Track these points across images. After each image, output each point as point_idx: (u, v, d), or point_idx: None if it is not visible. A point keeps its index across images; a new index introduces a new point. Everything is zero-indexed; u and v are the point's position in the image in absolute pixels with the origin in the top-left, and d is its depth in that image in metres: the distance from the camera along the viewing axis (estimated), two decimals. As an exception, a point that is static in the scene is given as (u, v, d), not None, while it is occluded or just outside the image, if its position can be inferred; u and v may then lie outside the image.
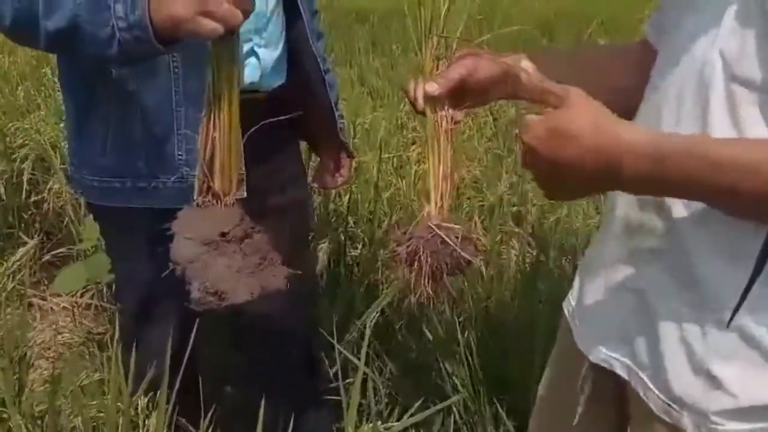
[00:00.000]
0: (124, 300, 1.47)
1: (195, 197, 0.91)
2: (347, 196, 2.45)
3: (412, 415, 1.39)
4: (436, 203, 0.89)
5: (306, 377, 1.60)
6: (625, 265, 0.84)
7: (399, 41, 5.00)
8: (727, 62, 0.70)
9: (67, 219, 2.53)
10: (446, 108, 0.90)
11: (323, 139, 1.59)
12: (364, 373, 1.25)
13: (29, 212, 2.74)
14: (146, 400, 1.33)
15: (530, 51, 0.96)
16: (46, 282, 2.45)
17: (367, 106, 3.64)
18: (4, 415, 1.38)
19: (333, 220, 2.45)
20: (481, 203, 2.71)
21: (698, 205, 0.74)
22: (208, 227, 0.87)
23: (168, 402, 1.15)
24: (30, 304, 2.27)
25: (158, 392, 1.16)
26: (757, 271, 0.71)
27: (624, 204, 0.83)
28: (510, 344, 1.77)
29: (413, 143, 3.22)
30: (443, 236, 0.85)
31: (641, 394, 0.83)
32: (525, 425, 1.15)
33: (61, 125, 2.74)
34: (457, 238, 0.86)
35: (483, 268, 2.02)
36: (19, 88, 3.47)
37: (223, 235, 0.87)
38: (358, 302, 2.05)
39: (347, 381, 1.41)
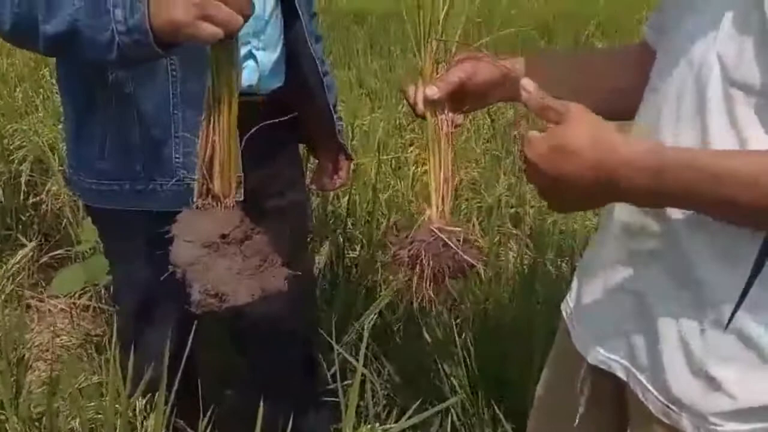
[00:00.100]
0: (122, 302, 1.47)
1: (195, 200, 0.91)
2: (346, 198, 2.45)
3: (410, 417, 1.39)
4: (437, 206, 0.89)
5: (305, 378, 1.60)
6: (624, 266, 0.85)
7: (397, 43, 5.01)
8: (724, 66, 0.71)
9: (65, 221, 2.53)
10: (446, 111, 0.90)
11: (321, 141, 1.59)
12: (363, 375, 1.25)
13: (27, 214, 2.73)
14: (144, 402, 1.33)
15: (529, 54, 0.96)
16: (43, 284, 2.45)
17: (365, 107, 3.65)
18: (2, 417, 1.38)
19: (331, 221, 2.46)
20: (479, 205, 2.71)
21: (696, 207, 0.74)
22: (207, 229, 0.87)
23: (166, 404, 1.15)
24: (28, 306, 2.27)
25: (156, 394, 1.16)
26: (755, 273, 0.71)
27: (622, 206, 0.84)
28: (508, 346, 1.78)
29: (411, 145, 3.22)
30: (445, 239, 0.86)
31: (640, 395, 0.83)
32: (523, 426, 1.15)
33: (60, 127, 2.74)
34: (459, 241, 0.86)
35: (481, 270, 2.02)
36: (18, 89, 3.47)
37: (223, 237, 0.87)
38: (357, 304, 2.05)
39: (346, 382, 1.41)
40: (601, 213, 0.96)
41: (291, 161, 1.55)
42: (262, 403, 1.12)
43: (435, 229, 0.87)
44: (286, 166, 1.50)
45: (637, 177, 0.69)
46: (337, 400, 1.27)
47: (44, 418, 1.38)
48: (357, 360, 1.22)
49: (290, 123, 1.22)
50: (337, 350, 1.51)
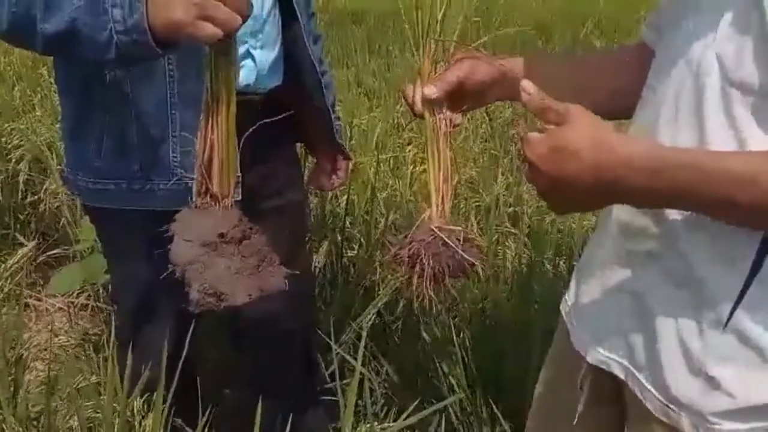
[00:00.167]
0: (121, 301, 1.47)
1: (193, 199, 0.91)
2: (344, 198, 2.45)
3: (408, 416, 1.39)
4: (436, 205, 0.89)
5: (303, 378, 1.60)
6: (622, 266, 0.85)
7: (396, 42, 5.01)
8: (723, 66, 0.71)
9: (63, 220, 2.53)
10: (444, 111, 0.90)
11: (320, 141, 1.59)
12: (361, 374, 1.25)
13: (25, 213, 2.73)
14: (142, 401, 1.33)
15: (528, 54, 0.96)
16: (41, 282, 2.45)
17: (363, 107, 3.65)
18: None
19: (330, 221, 2.46)
20: (477, 204, 2.71)
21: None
22: (206, 229, 0.87)
23: (164, 403, 1.15)
24: (26, 305, 2.27)
25: (155, 393, 1.16)
26: (753, 272, 0.72)
27: (620, 206, 0.84)
28: (506, 345, 1.78)
29: (409, 144, 3.22)
30: (445, 238, 0.86)
31: (639, 394, 0.83)
32: (521, 425, 1.15)
33: (57, 126, 2.73)
34: (458, 240, 0.86)
35: (480, 269, 2.02)
36: (15, 88, 3.47)
37: (221, 236, 0.87)
38: (355, 303, 2.05)
39: (344, 381, 1.41)
40: (599, 213, 0.96)
41: (289, 161, 1.55)
42: (260, 403, 1.12)
43: (434, 229, 0.87)
44: (285, 166, 1.50)
45: (636, 177, 0.69)
46: (335, 399, 1.27)
47: (42, 417, 1.38)
48: (355, 359, 1.22)
49: (288, 122, 1.22)
50: (336, 350, 1.51)
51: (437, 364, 1.73)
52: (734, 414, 0.75)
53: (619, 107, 0.91)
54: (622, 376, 0.86)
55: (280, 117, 1.13)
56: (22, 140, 2.91)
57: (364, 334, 1.44)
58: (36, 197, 2.73)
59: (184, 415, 1.36)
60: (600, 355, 0.88)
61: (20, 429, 1.33)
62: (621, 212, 0.84)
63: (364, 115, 3.42)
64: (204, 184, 0.89)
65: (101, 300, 2.27)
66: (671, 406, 0.79)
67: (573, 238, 2.37)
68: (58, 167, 2.56)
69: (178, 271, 0.85)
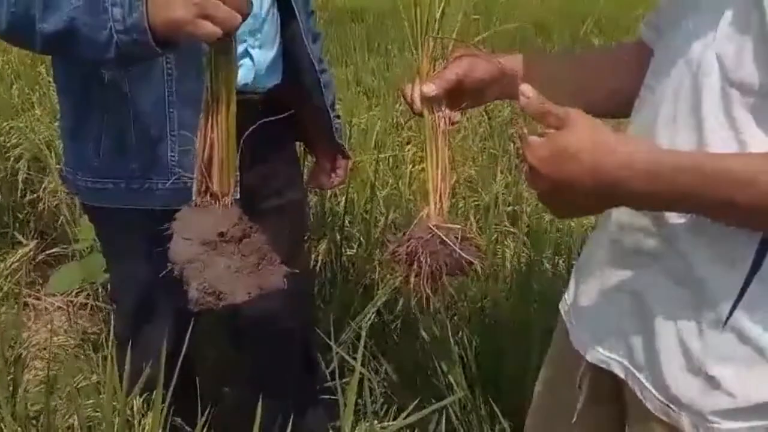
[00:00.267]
0: (120, 300, 1.47)
1: (193, 198, 0.91)
2: (343, 197, 2.45)
3: (408, 415, 1.39)
4: (434, 203, 0.89)
5: (303, 377, 1.60)
6: (621, 266, 0.85)
7: (395, 41, 5.00)
8: (723, 66, 0.71)
9: (62, 219, 2.53)
10: (443, 109, 0.90)
11: (319, 140, 1.59)
12: (361, 373, 1.25)
13: (24, 212, 2.73)
14: (142, 400, 1.33)
15: (528, 53, 0.96)
16: (40, 281, 2.44)
17: (362, 105, 3.64)
18: (-2, 415, 1.38)
19: (329, 220, 2.45)
20: (476, 203, 2.71)
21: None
22: (206, 227, 0.87)
23: (164, 402, 1.15)
24: (25, 304, 2.27)
25: (154, 392, 1.16)
26: (752, 272, 0.72)
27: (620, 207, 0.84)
28: (505, 344, 1.78)
29: (408, 143, 3.22)
30: (442, 236, 0.86)
31: (638, 394, 0.83)
32: (521, 424, 1.15)
33: (56, 125, 2.73)
34: (456, 238, 0.86)
35: (478, 268, 2.02)
36: (14, 86, 3.46)
37: (221, 235, 0.87)
38: (355, 302, 2.05)
39: (344, 380, 1.41)
40: (599, 212, 0.96)
41: (289, 160, 1.55)
42: (260, 402, 1.12)
43: (432, 227, 0.87)
44: (284, 165, 1.50)
45: (636, 178, 0.69)
46: (335, 398, 1.27)
47: (41, 417, 1.38)
48: (355, 358, 1.22)
49: (288, 121, 1.22)
50: (335, 349, 1.51)
51: (437, 363, 1.73)
52: (734, 413, 0.75)
53: (618, 106, 0.91)
54: (622, 376, 0.86)
55: (280, 117, 1.13)
56: (20, 139, 2.91)
57: (364, 333, 1.44)
58: (35, 196, 2.73)
59: (184, 414, 1.36)
60: (600, 354, 0.88)
61: (19, 428, 1.32)
62: (621, 212, 0.84)
63: (364, 114, 3.42)
64: (204, 182, 0.89)
65: (100, 299, 2.27)
66: (671, 406, 0.79)
67: (572, 237, 2.38)
68: (57, 166, 2.56)
69: (177, 269, 0.85)
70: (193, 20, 0.85)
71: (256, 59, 1.31)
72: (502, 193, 2.73)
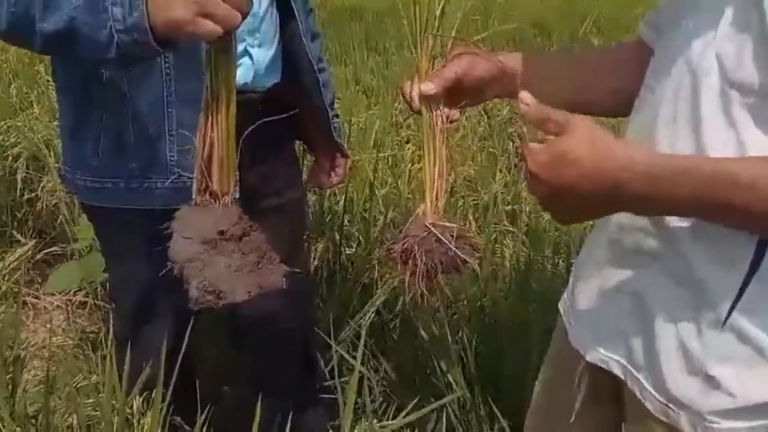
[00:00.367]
0: (119, 299, 1.47)
1: (193, 197, 0.91)
2: (342, 196, 2.45)
3: (407, 414, 1.39)
4: (431, 201, 0.89)
5: (303, 376, 1.60)
6: (621, 267, 0.85)
7: (394, 39, 5.00)
8: (723, 66, 0.71)
9: (61, 218, 2.53)
10: (442, 107, 0.90)
11: (318, 139, 1.59)
12: (360, 372, 1.25)
13: (23, 211, 2.72)
14: (141, 399, 1.33)
15: (526, 52, 0.96)
16: (39, 281, 2.44)
17: (361, 104, 3.64)
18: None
19: (328, 219, 2.45)
20: (475, 202, 2.71)
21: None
22: (206, 226, 0.87)
23: (163, 401, 1.15)
24: (24, 303, 2.27)
25: (154, 391, 1.16)
26: (752, 271, 0.72)
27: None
28: (505, 343, 1.78)
29: (408, 142, 3.22)
30: (438, 235, 0.86)
31: (638, 394, 0.83)
32: (520, 424, 1.15)
33: (55, 124, 2.73)
34: (452, 236, 0.86)
35: (477, 267, 2.02)
36: (12, 85, 3.45)
37: (221, 234, 0.87)
38: (354, 301, 2.05)
39: (343, 380, 1.41)
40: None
41: (288, 159, 1.55)
42: (259, 401, 1.12)
43: (428, 225, 0.87)
44: (284, 164, 1.50)
45: (636, 182, 0.69)
46: (334, 397, 1.27)
47: (40, 416, 1.38)
48: (354, 358, 1.22)
49: (287, 120, 1.21)
50: (335, 348, 1.51)
51: (436, 363, 1.73)
52: (734, 413, 0.75)
53: (618, 105, 0.91)
54: (621, 376, 0.86)
55: (281, 116, 1.13)
56: (19, 138, 2.90)
57: (363, 332, 1.44)
58: (33, 195, 2.73)
59: (183, 413, 1.36)
60: (599, 354, 0.88)
61: (18, 428, 1.32)
62: (620, 213, 0.84)
63: (363, 113, 3.42)
64: (204, 181, 0.89)
65: (100, 298, 2.26)
66: (671, 406, 0.79)
67: (571, 237, 2.37)
68: (56, 165, 2.56)
69: (177, 268, 0.85)
70: (194, 19, 0.85)
71: (255, 58, 1.31)
72: (501, 193, 2.73)
